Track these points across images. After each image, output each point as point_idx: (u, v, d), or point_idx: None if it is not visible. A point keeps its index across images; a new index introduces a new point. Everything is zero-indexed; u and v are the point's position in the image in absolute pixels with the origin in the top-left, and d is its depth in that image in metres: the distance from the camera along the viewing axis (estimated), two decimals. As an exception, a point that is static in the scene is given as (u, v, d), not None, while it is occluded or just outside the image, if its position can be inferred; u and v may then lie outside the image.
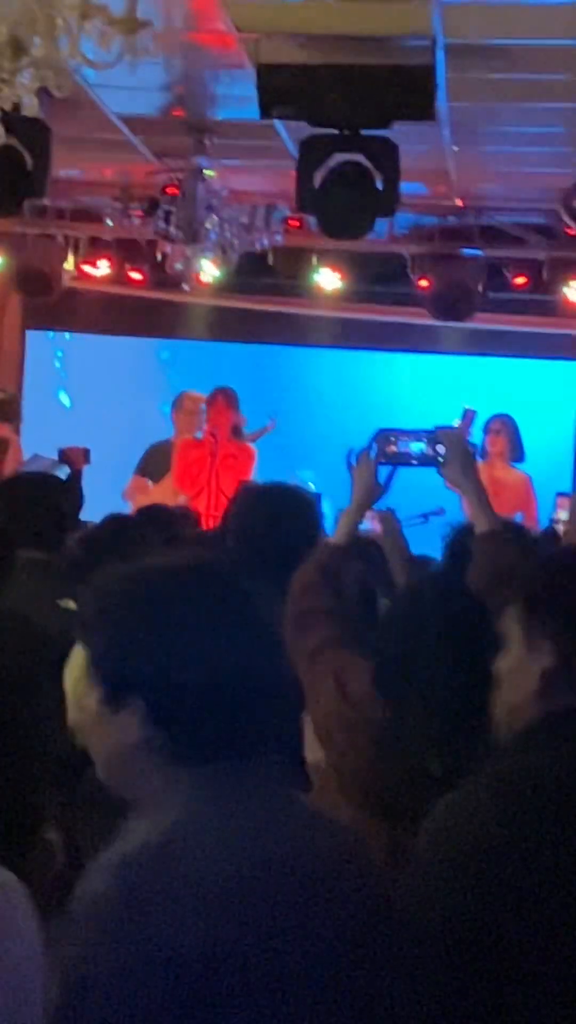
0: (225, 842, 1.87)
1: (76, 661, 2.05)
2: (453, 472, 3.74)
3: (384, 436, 3.82)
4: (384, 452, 3.82)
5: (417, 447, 3.80)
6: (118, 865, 1.87)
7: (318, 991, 1.87)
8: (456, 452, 3.76)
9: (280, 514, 4.32)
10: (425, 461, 3.81)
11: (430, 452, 3.78)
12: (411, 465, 3.82)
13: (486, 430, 9.56)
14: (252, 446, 9.75)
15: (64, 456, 7.22)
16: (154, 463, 9.85)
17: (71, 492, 5.77)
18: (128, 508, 8.70)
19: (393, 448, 3.81)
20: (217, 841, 1.87)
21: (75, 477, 7.05)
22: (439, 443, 3.79)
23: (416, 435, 3.82)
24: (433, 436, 3.82)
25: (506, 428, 9.65)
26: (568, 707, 2.28)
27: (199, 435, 9.73)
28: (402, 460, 3.82)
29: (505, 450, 9.52)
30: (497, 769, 2.26)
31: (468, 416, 9.14)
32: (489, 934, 2.07)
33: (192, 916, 1.81)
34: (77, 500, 6.89)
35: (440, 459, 3.77)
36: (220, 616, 2.02)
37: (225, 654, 1.99)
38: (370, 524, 5.34)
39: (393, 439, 3.81)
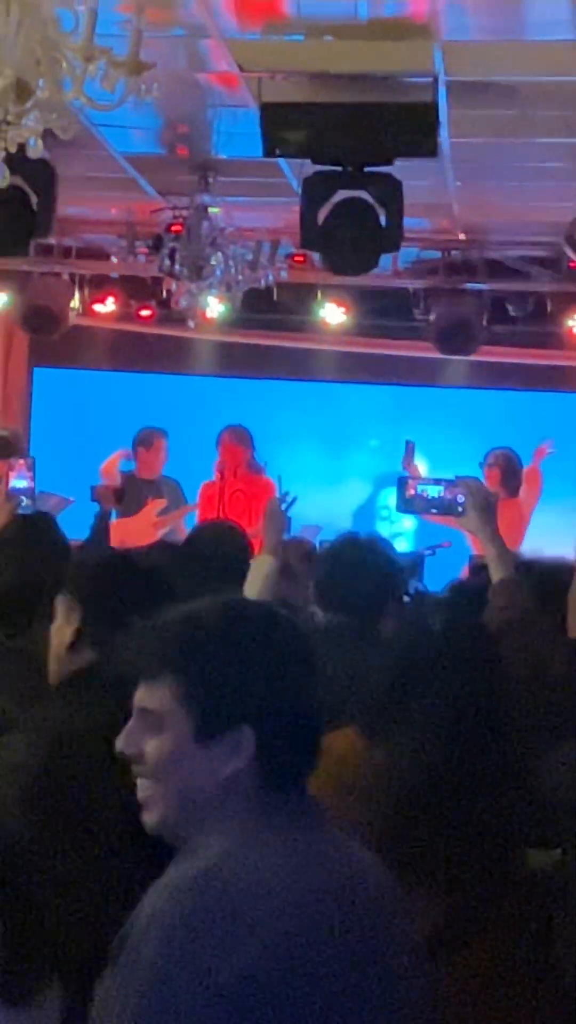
0: (281, 870, 1.90)
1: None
2: (472, 522, 3.79)
3: (404, 482, 3.86)
4: (404, 499, 3.86)
5: (437, 494, 3.83)
6: (180, 888, 1.88)
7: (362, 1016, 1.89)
8: (476, 501, 3.80)
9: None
10: (445, 510, 3.85)
11: (449, 499, 3.82)
12: (431, 513, 3.86)
13: (482, 463, 9.55)
14: (269, 478, 9.75)
15: (96, 495, 7.23)
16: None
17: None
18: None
19: (413, 494, 3.85)
20: (274, 866, 1.89)
21: (103, 516, 7.05)
22: (459, 491, 3.83)
23: (436, 482, 3.85)
24: (453, 484, 3.86)
25: (500, 462, 9.66)
26: (90, 663, 2.88)
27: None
28: (422, 508, 3.86)
29: (499, 484, 9.50)
30: (41, 714, 2.89)
31: (409, 448, 9.17)
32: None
33: (245, 943, 1.82)
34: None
35: (460, 508, 3.80)
36: (302, 651, 2.07)
37: (308, 688, 2.04)
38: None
39: (413, 486, 3.84)
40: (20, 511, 6.84)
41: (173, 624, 2.07)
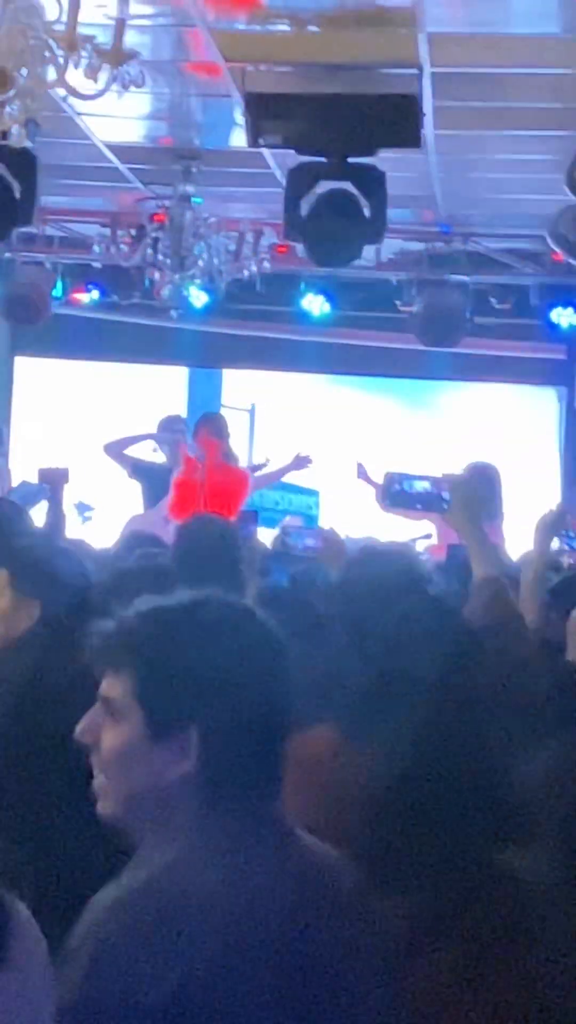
0: (222, 883, 1.87)
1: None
2: (457, 518, 3.80)
3: (391, 479, 3.88)
4: (390, 494, 3.88)
5: (423, 490, 3.86)
6: (115, 904, 1.86)
7: None
8: (461, 498, 3.81)
9: None
10: (430, 506, 3.87)
11: (435, 495, 3.84)
12: (416, 509, 3.88)
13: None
14: (244, 470, 9.74)
15: (43, 477, 7.20)
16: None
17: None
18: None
19: (398, 489, 3.87)
20: (215, 883, 1.87)
21: (55, 498, 7.02)
22: (444, 488, 3.85)
23: (422, 479, 3.88)
24: (439, 481, 3.88)
25: (479, 479, 9.43)
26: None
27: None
28: (408, 503, 3.88)
29: None
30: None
31: (360, 469, 9.22)
32: None
33: (177, 962, 1.80)
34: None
35: (445, 504, 3.81)
36: (268, 655, 2.02)
37: (267, 693, 1.99)
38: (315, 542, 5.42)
39: (400, 482, 3.87)
40: None
41: (137, 618, 2.05)
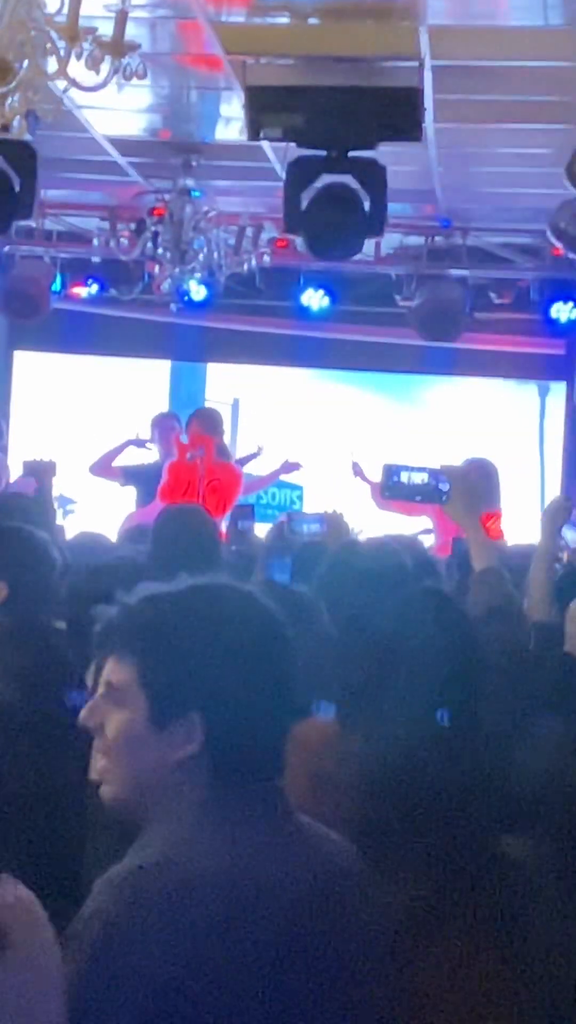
0: (228, 863, 1.87)
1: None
2: (455, 510, 3.80)
3: (389, 470, 3.88)
4: (388, 485, 3.88)
5: (421, 481, 3.86)
6: (122, 883, 1.86)
7: (312, 1009, 1.87)
8: (459, 490, 3.82)
9: None
10: (429, 497, 3.88)
11: (433, 486, 3.84)
12: (415, 501, 3.88)
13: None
14: (237, 467, 9.74)
15: (29, 469, 7.20)
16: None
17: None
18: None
19: (397, 480, 3.87)
20: (220, 863, 1.88)
21: (44, 491, 7.01)
22: (443, 480, 3.85)
23: (421, 471, 3.88)
24: (436, 473, 3.88)
25: (476, 473, 9.35)
26: None
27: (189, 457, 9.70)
28: (406, 494, 3.88)
29: None
30: None
31: (355, 467, 9.24)
32: None
33: (181, 942, 1.81)
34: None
35: (444, 495, 3.82)
36: (271, 641, 2.03)
37: (271, 679, 2.00)
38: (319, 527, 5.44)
39: (397, 474, 3.87)
40: None
41: (139, 604, 2.05)
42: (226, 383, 12.30)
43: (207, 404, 10.12)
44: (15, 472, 9.44)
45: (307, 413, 11.98)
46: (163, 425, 10.15)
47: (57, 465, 7.14)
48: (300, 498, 11.39)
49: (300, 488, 11.38)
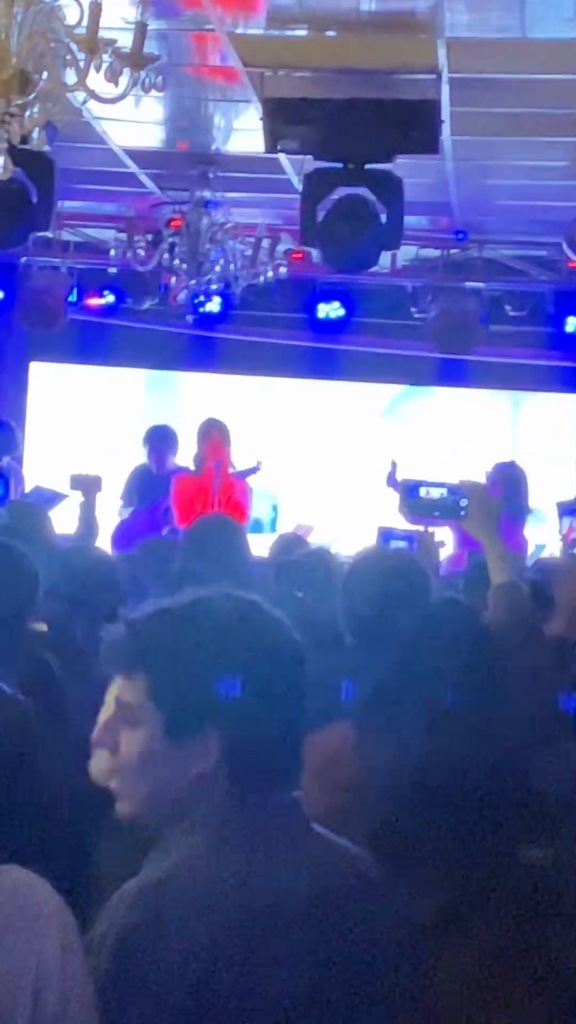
0: (244, 877, 1.87)
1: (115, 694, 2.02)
2: (474, 526, 3.79)
3: (408, 486, 3.88)
4: (407, 502, 3.88)
5: (440, 497, 3.85)
6: (137, 896, 1.86)
7: (331, 1021, 1.87)
8: (478, 505, 3.81)
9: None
10: (447, 513, 3.87)
11: (452, 502, 3.83)
12: (434, 516, 3.87)
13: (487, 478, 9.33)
14: (245, 481, 9.70)
15: (76, 484, 7.19)
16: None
17: None
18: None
19: (416, 497, 3.86)
20: (240, 871, 1.87)
21: (88, 505, 7.01)
22: (462, 494, 3.84)
23: (440, 486, 3.87)
24: (456, 488, 3.87)
25: (503, 479, 9.30)
26: None
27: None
28: (425, 511, 3.88)
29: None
30: None
31: (393, 467, 9.11)
32: None
33: (197, 955, 1.81)
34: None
35: (462, 511, 3.81)
36: (283, 652, 2.02)
37: (284, 689, 1.99)
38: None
39: (416, 489, 3.86)
40: None
41: (146, 620, 2.04)
42: (197, 394, 12.16)
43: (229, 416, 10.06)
44: (29, 482, 9.48)
45: (281, 422, 11.86)
46: (163, 440, 10.10)
47: (103, 479, 7.14)
48: (275, 508, 11.26)
49: (274, 497, 11.25)
